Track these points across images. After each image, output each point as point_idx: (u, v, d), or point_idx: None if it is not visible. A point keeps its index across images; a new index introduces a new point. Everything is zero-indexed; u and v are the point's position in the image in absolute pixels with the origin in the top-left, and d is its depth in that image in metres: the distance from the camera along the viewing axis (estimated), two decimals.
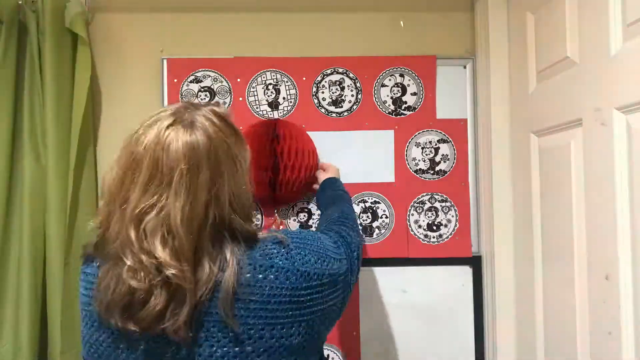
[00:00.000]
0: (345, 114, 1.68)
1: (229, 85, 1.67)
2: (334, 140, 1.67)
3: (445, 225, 1.67)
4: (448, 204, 1.67)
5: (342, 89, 1.68)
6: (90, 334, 0.82)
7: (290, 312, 0.79)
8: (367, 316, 1.65)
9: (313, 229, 1.65)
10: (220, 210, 0.79)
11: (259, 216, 1.65)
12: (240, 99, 1.67)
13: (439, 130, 1.68)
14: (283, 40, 1.70)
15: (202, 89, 1.67)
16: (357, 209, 1.67)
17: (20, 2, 1.58)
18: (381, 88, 1.69)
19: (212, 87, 1.67)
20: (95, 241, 0.84)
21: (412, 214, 1.67)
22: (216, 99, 1.66)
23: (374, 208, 1.67)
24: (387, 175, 1.67)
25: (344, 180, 1.65)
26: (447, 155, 1.68)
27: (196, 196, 0.76)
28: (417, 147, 1.68)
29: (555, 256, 1.28)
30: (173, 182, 0.75)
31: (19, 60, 1.59)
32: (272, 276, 0.79)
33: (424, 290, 1.66)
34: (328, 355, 1.64)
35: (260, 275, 0.78)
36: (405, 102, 1.69)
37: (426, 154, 1.68)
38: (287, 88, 1.67)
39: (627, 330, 0.98)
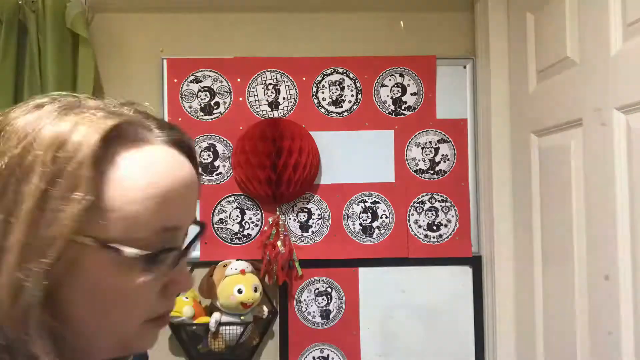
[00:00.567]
0: (345, 114, 1.68)
1: (229, 85, 1.67)
2: (334, 140, 1.66)
3: (445, 225, 1.67)
4: (448, 204, 1.67)
5: (342, 89, 1.68)
6: None
7: None
8: (367, 316, 1.65)
9: (313, 228, 1.66)
10: None
11: (259, 215, 1.65)
12: (240, 99, 1.67)
13: (439, 130, 1.68)
14: (283, 40, 1.70)
15: (202, 89, 1.67)
16: (357, 209, 1.67)
17: (20, 2, 1.58)
18: (381, 88, 1.68)
19: (212, 87, 1.67)
20: None
21: (412, 214, 1.67)
22: (216, 99, 1.67)
23: (374, 208, 1.67)
24: (387, 175, 1.67)
25: (344, 180, 1.65)
26: (447, 155, 1.68)
27: None
28: (417, 147, 1.68)
29: (555, 256, 1.27)
30: None
31: (19, 60, 1.59)
32: None
33: (424, 290, 1.66)
34: (328, 355, 1.64)
35: None
36: (405, 102, 1.69)
37: (426, 154, 1.68)
38: (287, 88, 1.67)
39: (627, 330, 0.98)
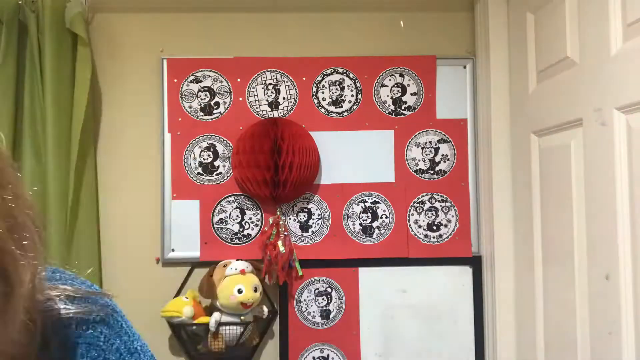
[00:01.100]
0: (345, 114, 1.68)
1: (229, 85, 1.67)
2: (334, 140, 1.66)
3: (445, 225, 1.67)
4: (448, 204, 1.67)
5: (342, 89, 1.68)
6: None
7: None
8: (367, 316, 1.65)
9: (313, 228, 1.66)
10: None
11: (259, 215, 1.65)
12: (240, 99, 1.67)
13: (439, 130, 1.68)
14: (283, 40, 1.70)
15: (202, 89, 1.67)
16: (357, 209, 1.67)
17: (20, 2, 1.58)
18: (381, 88, 1.68)
19: (212, 87, 1.67)
20: None
21: (412, 214, 1.67)
22: (216, 99, 1.66)
23: (374, 208, 1.67)
24: (387, 175, 1.67)
25: (344, 180, 1.65)
26: (447, 155, 1.68)
27: None
28: (417, 147, 1.68)
29: (556, 256, 1.27)
30: None
31: (19, 60, 1.59)
32: None
33: (424, 290, 1.66)
34: (328, 355, 1.64)
35: None
36: (405, 102, 1.69)
37: (426, 154, 1.68)
38: (287, 88, 1.67)
39: (627, 330, 0.98)
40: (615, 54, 1.02)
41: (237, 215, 1.65)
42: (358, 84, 1.68)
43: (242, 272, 1.52)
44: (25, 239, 0.42)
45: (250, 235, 1.65)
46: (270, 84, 1.67)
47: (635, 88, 0.96)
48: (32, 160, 1.58)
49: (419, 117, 1.68)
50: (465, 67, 1.69)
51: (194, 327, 1.53)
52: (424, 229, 1.67)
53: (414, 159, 1.68)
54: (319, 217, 1.66)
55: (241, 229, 1.65)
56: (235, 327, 1.51)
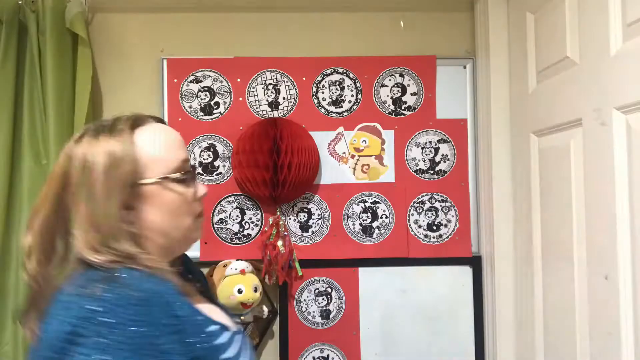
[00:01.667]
0: (345, 114, 1.67)
1: (229, 85, 1.67)
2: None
3: (445, 225, 1.67)
4: (448, 204, 1.67)
5: (342, 89, 1.68)
6: None
7: None
8: (367, 316, 1.65)
9: (313, 228, 1.66)
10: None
11: (259, 215, 1.65)
12: (240, 99, 1.67)
13: (439, 130, 1.68)
14: (283, 40, 1.70)
15: (202, 89, 1.67)
16: (357, 209, 1.67)
17: (20, 2, 1.58)
18: (381, 88, 1.68)
19: (212, 87, 1.67)
20: None
21: (412, 214, 1.67)
22: (216, 99, 1.66)
23: (374, 208, 1.67)
24: (387, 175, 1.67)
25: (344, 180, 1.65)
26: (447, 155, 1.68)
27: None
28: (417, 147, 1.68)
29: (555, 256, 1.28)
30: None
31: (19, 60, 1.59)
32: None
33: (424, 290, 1.66)
34: (328, 355, 1.64)
35: None
36: (405, 102, 1.69)
37: (426, 154, 1.68)
38: (287, 88, 1.67)
39: (627, 330, 0.98)
40: (615, 54, 1.02)
41: (237, 215, 1.65)
42: (358, 84, 1.68)
43: (242, 272, 1.52)
44: None
45: (250, 235, 1.65)
46: (270, 84, 1.67)
47: (635, 88, 0.96)
48: (31, 160, 1.58)
49: (419, 117, 1.68)
50: (465, 67, 1.69)
51: None
52: (424, 229, 1.67)
53: (414, 159, 1.68)
54: (319, 217, 1.66)
55: (241, 229, 1.65)
56: None
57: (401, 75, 1.69)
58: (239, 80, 1.67)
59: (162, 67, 1.66)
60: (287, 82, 1.67)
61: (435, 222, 1.67)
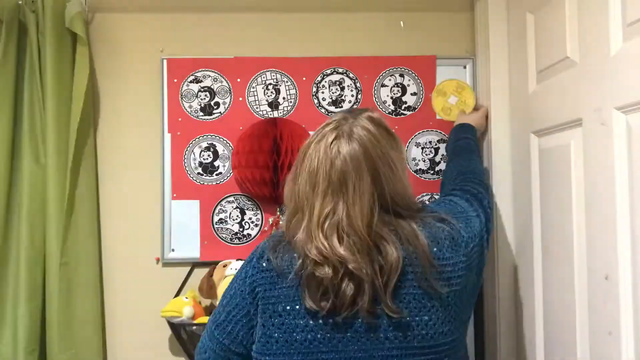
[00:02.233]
0: None
1: (229, 85, 1.67)
2: None
3: None
4: None
5: (342, 89, 1.68)
6: (268, 327, 0.92)
7: (465, 273, 0.95)
8: None
9: None
10: (384, 205, 0.92)
11: (259, 215, 1.65)
12: (240, 99, 1.67)
13: (439, 130, 1.68)
14: (283, 40, 1.70)
15: (202, 89, 1.67)
16: None
17: (20, 2, 1.59)
18: (381, 88, 1.69)
19: (212, 87, 1.67)
20: (274, 243, 0.97)
21: None
22: (216, 99, 1.67)
23: None
24: None
25: None
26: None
27: (361, 199, 0.90)
28: (417, 147, 1.68)
29: (555, 256, 1.27)
30: (341, 190, 0.91)
31: (19, 60, 1.59)
32: (449, 247, 0.94)
33: None
34: None
35: (440, 249, 0.93)
36: (405, 102, 1.69)
37: (426, 154, 1.68)
38: (287, 88, 1.67)
39: (627, 330, 0.98)
40: (615, 54, 1.02)
41: (237, 215, 1.65)
42: (358, 84, 1.68)
43: None
44: None
45: (250, 235, 1.65)
46: (270, 84, 1.67)
47: (635, 88, 0.96)
48: (31, 160, 1.58)
49: (419, 117, 1.68)
50: (465, 67, 1.69)
51: (194, 327, 1.53)
52: None
53: (414, 159, 1.68)
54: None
55: (241, 229, 1.65)
56: None
57: (401, 75, 1.69)
58: (239, 80, 1.67)
59: (162, 67, 1.66)
60: (287, 82, 1.67)
61: None
